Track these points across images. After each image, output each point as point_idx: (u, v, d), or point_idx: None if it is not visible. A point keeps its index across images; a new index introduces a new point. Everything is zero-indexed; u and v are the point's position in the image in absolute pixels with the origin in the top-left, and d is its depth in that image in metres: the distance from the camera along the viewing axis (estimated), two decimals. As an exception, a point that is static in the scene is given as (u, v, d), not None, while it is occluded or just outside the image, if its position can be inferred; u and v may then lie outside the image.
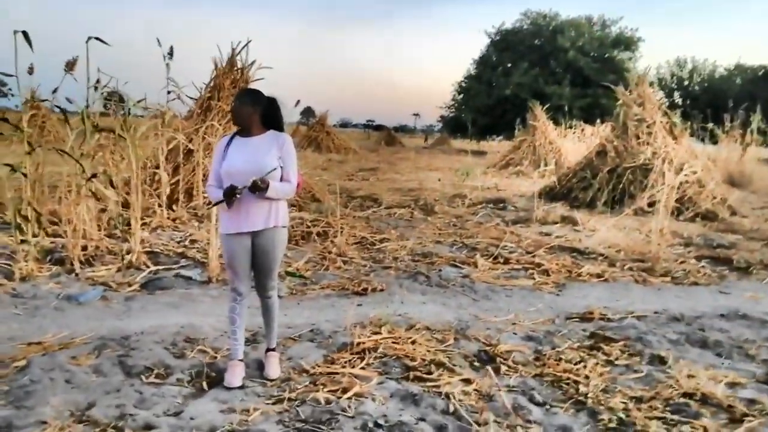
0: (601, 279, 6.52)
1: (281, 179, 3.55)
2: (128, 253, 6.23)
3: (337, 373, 3.72)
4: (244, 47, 11.11)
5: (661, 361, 4.18)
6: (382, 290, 5.67)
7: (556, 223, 9.97)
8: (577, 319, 5.12)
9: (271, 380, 3.67)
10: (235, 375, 3.59)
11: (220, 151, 3.57)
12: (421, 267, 6.63)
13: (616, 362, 4.15)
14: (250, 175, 3.38)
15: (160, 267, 6.14)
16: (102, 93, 6.26)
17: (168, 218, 8.44)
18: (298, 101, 9.79)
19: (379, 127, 72.30)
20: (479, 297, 5.69)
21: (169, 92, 9.53)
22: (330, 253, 7.06)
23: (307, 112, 34.64)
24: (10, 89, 9.24)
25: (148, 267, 6.09)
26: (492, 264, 6.92)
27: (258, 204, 3.46)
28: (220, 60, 11.18)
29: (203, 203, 9.29)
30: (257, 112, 3.57)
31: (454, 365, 3.94)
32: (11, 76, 5.26)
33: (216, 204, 3.50)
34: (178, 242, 7.30)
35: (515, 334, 4.70)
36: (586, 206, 11.97)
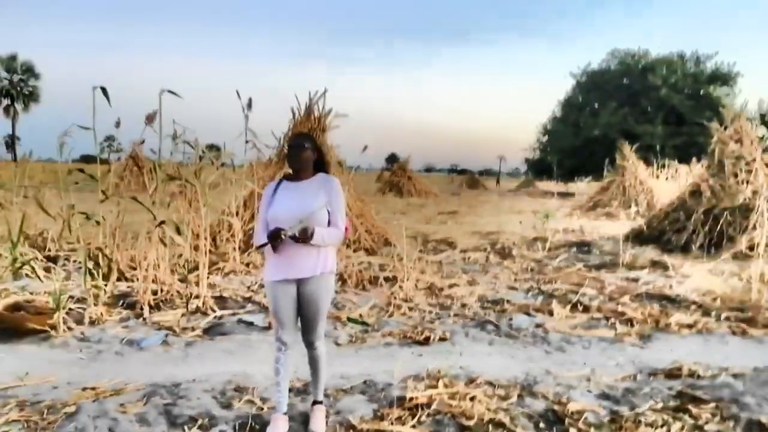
0: (693, 330, 5.88)
1: (329, 224, 3.41)
2: (196, 297, 6.29)
3: (384, 431, 3.45)
4: (321, 96, 11.38)
5: (762, 428, 3.61)
6: (445, 339, 5.36)
7: (645, 268, 9.26)
8: (662, 376, 4.58)
9: (316, 436, 3.45)
10: (278, 429, 3.41)
11: (267, 196, 3.48)
12: (490, 314, 6.26)
13: (706, 427, 3.62)
14: (297, 220, 3.26)
15: (226, 312, 6.14)
16: (176, 143, 6.47)
17: (241, 263, 8.55)
18: (366, 147, 9.80)
19: (463, 171, 71.97)
20: (552, 349, 5.25)
21: (247, 141, 9.82)
22: (396, 298, 6.83)
23: (391, 159, 35.02)
24: (119, 144, 9.81)
25: (214, 312, 6.11)
26: (570, 312, 6.43)
27: (304, 250, 3.33)
28: (298, 109, 11.48)
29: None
30: (314, 156, 3.49)
31: (516, 426, 3.57)
32: (88, 128, 5.53)
33: (261, 246, 3.39)
34: (248, 287, 7.33)
35: (589, 391, 4.24)
36: (679, 250, 11.12)
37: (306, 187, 3.44)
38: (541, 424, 3.65)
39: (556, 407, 3.88)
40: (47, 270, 7.55)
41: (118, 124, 7.68)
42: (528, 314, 6.32)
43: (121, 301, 6.31)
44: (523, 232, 13.97)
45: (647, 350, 5.29)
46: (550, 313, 6.34)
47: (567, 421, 3.68)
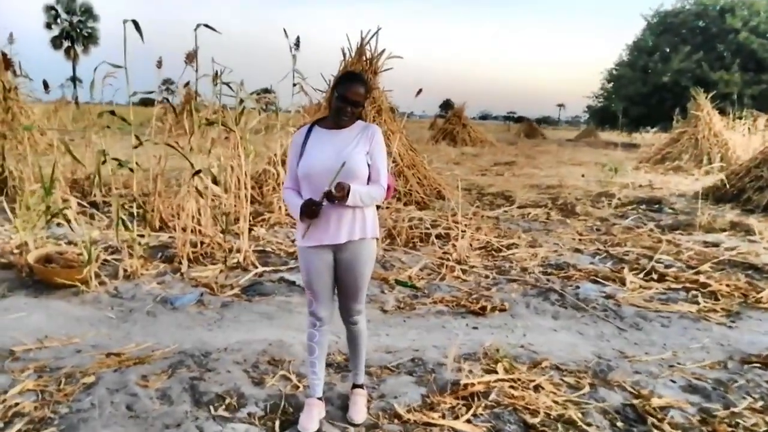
0: (791, 308, 5.14)
1: (368, 181, 2.87)
2: (237, 252, 5.93)
3: (434, 425, 2.98)
4: (373, 36, 10.66)
5: None
6: (503, 310, 4.81)
7: (725, 230, 8.39)
8: (758, 364, 3.93)
9: (355, 425, 3.01)
10: (312, 418, 2.98)
11: (297, 145, 2.95)
12: (554, 282, 5.66)
13: (826, 441, 2.99)
14: (331, 174, 2.74)
15: (267, 269, 5.76)
16: (215, 83, 5.97)
17: (287, 214, 8.16)
18: (420, 90, 9.09)
19: (520, 119, 69.69)
20: (626, 325, 4.64)
21: (294, 84, 9.26)
22: (449, 259, 6.29)
23: (446, 105, 33.88)
24: (176, 86, 9.42)
25: (255, 268, 5.75)
26: (644, 281, 5.76)
27: (341, 212, 2.81)
28: (349, 50, 10.82)
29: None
30: (365, 104, 2.94)
31: (589, 425, 3.04)
32: (120, 67, 5.09)
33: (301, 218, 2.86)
34: (292, 241, 6.93)
35: (673, 381, 3.65)
36: (761, 210, 10.10)
37: (346, 135, 2.89)
38: (619, 423, 3.11)
39: (635, 401, 3.31)
40: (91, 217, 7.36)
41: (159, 64, 7.25)
42: (597, 282, 5.69)
43: (160, 254, 6.02)
44: (586, 186, 13.09)
45: (737, 331, 4.62)
46: (622, 282, 5.68)
47: (650, 420, 3.12)
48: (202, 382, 3.38)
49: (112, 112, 5.28)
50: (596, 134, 46.54)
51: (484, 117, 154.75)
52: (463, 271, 5.93)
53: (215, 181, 5.17)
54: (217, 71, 6.41)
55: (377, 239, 3.04)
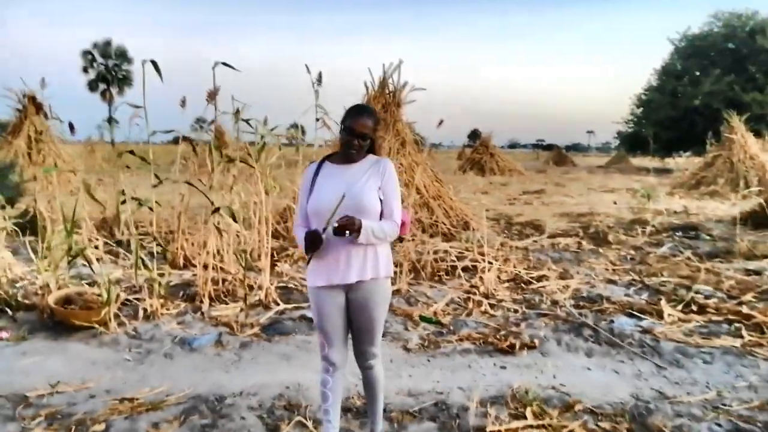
0: None
1: (381, 216, 2.74)
2: (259, 288, 5.83)
3: (458, 478, 2.77)
4: (396, 68, 10.66)
5: None
6: (533, 347, 4.57)
7: (767, 257, 7.99)
8: (814, 406, 3.62)
9: (373, 477, 2.83)
10: (327, 467, 2.81)
11: (307, 181, 2.85)
12: (587, 316, 5.40)
13: None
14: (345, 213, 2.62)
15: (289, 306, 5.64)
16: (236, 120, 5.95)
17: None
18: (441, 121, 8.98)
19: (549, 147, 69.18)
20: (665, 362, 4.36)
21: (317, 119, 9.26)
22: (476, 293, 6.08)
23: (473, 135, 33.78)
24: (209, 124, 9.50)
25: (277, 305, 5.63)
26: (682, 314, 5.46)
27: (352, 249, 2.68)
28: (372, 83, 10.83)
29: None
30: (374, 137, 2.83)
31: (628, 477, 2.79)
32: (139, 107, 5.11)
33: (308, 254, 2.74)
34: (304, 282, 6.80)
35: (719, 425, 3.37)
36: (806, 235, 9.65)
37: (356, 170, 2.77)
38: (661, 474, 2.85)
39: (678, 449, 3.06)
40: (116, 256, 7.37)
41: (183, 103, 7.31)
42: (632, 315, 5.41)
43: (182, 292, 5.96)
44: (618, 214, 12.75)
45: (787, 367, 4.30)
46: (659, 315, 5.39)
47: (695, 470, 2.86)
48: (215, 430, 3.23)
49: (131, 152, 5.30)
50: (627, 160, 45.80)
51: (513, 146, 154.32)
52: (491, 306, 5.72)
53: (234, 218, 5.09)
54: (237, 108, 6.42)
55: (391, 278, 2.89)
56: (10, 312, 5.24)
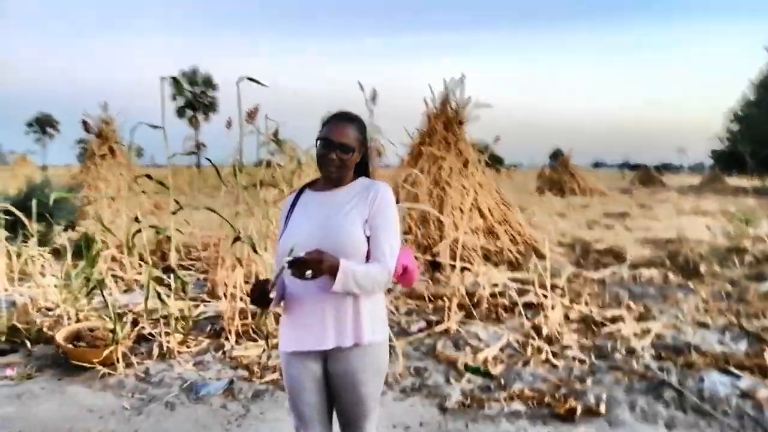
0: None
1: (367, 258, 2.08)
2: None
3: None
4: (458, 83, 9.98)
5: None
6: (599, 414, 3.72)
7: None
8: None
9: None
10: None
11: (282, 216, 2.25)
12: (669, 371, 4.45)
13: None
14: (321, 248, 1.99)
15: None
16: (265, 143, 5.50)
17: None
18: (497, 138, 8.21)
19: (636, 167, 65.76)
20: (773, 442, 3.40)
21: (371, 140, 8.74)
22: (537, 336, 5.26)
23: (555, 154, 32.35)
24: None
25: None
26: (794, 371, 4.41)
27: (328, 303, 2.04)
28: (433, 101, 10.20)
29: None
30: (360, 150, 2.18)
31: None
32: (157, 127, 4.73)
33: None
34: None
35: None
36: None
37: (337, 197, 2.14)
38: None
39: None
40: (160, 283, 7.06)
41: (229, 125, 6.97)
42: (728, 372, 4.42)
43: (210, 326, 5.50)
44: (712, 241, 11.37)
45: None
46: (763, 373, 4.37)
47: None
48: None
49: (149, 176, 4.93)
50: (723, 180, 42.57)
51: (597, 165, 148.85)
52: (554, 354, 4.87)
53: (254, 248, 4.58)
54: (276, 129, 5.99)
55: (385, 344, 2.22)
56: (29, 345, 4.95)
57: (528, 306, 6.23)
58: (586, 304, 6.30)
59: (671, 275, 8.11)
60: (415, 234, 8.75)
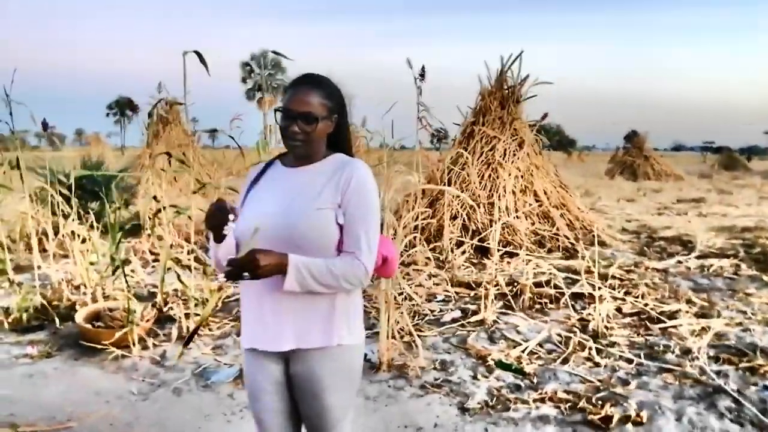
0: None
1: (337, 249, 1.77)
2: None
3: None
4: (515, 60, 9.41)
5: None
6: (639, 423, 3.28)
7: None
8: None
9: None
10: None
11: (242, 193, 1.96)
12: (728, 376, 3.92)
13: None
14: (280, 237, 1.70)
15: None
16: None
17: (402, 263, 7.16)
18: (545, 114, 7.60)
19: (719, 150, 61.95)
20: None
21: (420, 119, 8.36)
22: (582, 329, 4.80)
23: (630, 136, 30.75)
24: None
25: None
26: None
27: (284, 299, 1.75)
28: (488, 77, 9.68)
29: (448, 246, 7.80)
30: (331, 119, 1.85)
31: None
32: (181, 104, 4.57)
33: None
34: (399, 293, 5.90)
35: None
36: None
37: (305, 176, 1.83)
38: None
39: None
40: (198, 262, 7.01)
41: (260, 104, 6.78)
42: (800, 381, 3.84)
43: (236, 309, 5.36)
44: (796, 230, 10.34)
45: None
46: (844, 383, 3.78)
47: None
48: None
49: (168, 154, 4.77)
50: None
51: (677, 148, 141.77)
52: (598, 351, 4.42)
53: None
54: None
55: (361, 346, 1.91)
56: (57, 323, 4.95)
57: (578, 297, 5.76)
58: (643, 296, 5.75)
59: (743, 266, 7.36)
60: (462, 217, 8.34)
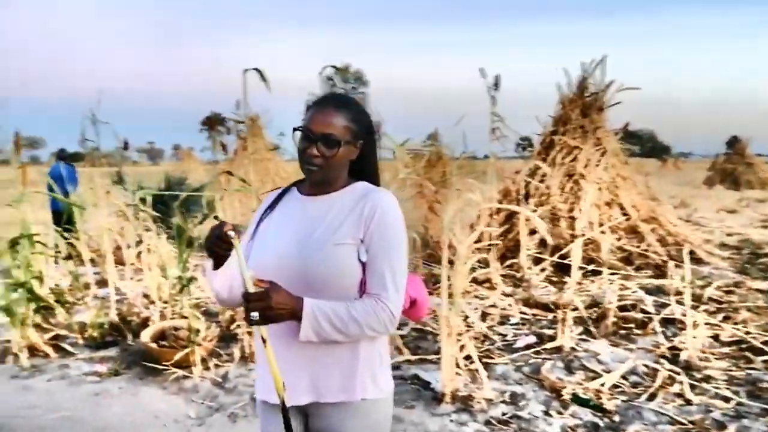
0: None
1: (360, 290, 1.56)
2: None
3: None
4: (597, 65, 8.89)
5: None
6: (738, 480, 2.84)
7: None
8: None
9: None
10: None
11: (253, 222, 1.78)
12: None
13: None
14: (294, 276, 1.51)
15: (413, 357, 4.56)
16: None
17: (474, 281, 6.86)
18: (627, 124, 7.01)
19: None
20: None
21: (494, 130, 8.03)
22: (673, 360, 4.33)
23: (732, 142, 28.66)
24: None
25: (401, 353, 4.61)
26: None
27: (297, 348, 1.55)
28: (568, 85, 9.19)
29: (525, 264, 7.39)
30: (356, 145, 1.65)
31: None
32: (241, 123, 4.54)
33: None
34: (465, 318, 5.61)
35: None
36: None
37: (324, 206, 1.63)
38: None
39: None
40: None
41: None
42: None
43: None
44: None
45: None
46: None
47: None
48: None
49: (229, 173, 4.74)
50: None
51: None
52: (691, 386, 3.94)
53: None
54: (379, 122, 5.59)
55: (390, 398, 1.68)
56: (130, 339, 5.03)
57: (669, 322, 5.24)
58: (744, 322, 5.16)
59: None
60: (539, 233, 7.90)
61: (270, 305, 1.39)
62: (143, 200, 7.82)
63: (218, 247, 1.49)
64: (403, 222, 1.61)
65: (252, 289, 1.41)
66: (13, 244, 4.51)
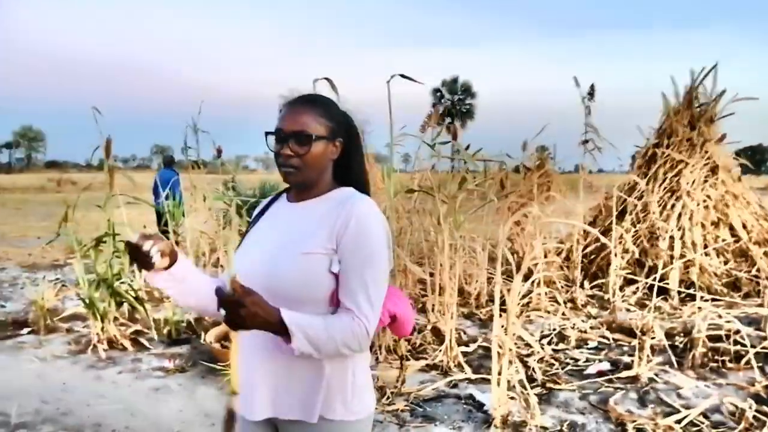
0: None
1: (332, 303, 1.47)
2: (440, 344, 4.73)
3: None
4: (708, 73, 8.18)
5: None
6: None
7: None
8: None
9: None
10: None
11: (251, 223, 1.73)
12: None
13: None
14: (263, 286, 1.44)
15: (474, 376, 4.38)
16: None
17: (560, 301, 6.50)
18: (723, 135, 6.26)
19: None
20: None
21: (586, 141, 7.62)
22: (766, 400, 3.82)
23: None
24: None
25: (462, 370, 4.46)
26: None
27: (264, 357, 1.48)
28: (676, 95, 8.53)
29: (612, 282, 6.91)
30: (333, 143, 1.55)
31: None
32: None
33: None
34: (540, 339, 5.33)
35: None
36: None
37: (302, 215, 1.55)
38: None
39: None
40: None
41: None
42: None
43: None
44: None
45: None
46: None
47: None
48: None
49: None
50: None
51: None
52: (779, 433, 3.46)
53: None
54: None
55: (363, 421, 1.56)
56: (202, 338, 5.23)
57: (763, 356, 4.68)
58: None
59: None
60: (632, 252, 7.35)
61: (238, 311, 1.31)
62: (239, 206, 8.18)
63: (139, 260, 1.43)
64: (383, 232, 1.49)
65: (228, 290, 1.35)
66: (98, 243, 4.83)
